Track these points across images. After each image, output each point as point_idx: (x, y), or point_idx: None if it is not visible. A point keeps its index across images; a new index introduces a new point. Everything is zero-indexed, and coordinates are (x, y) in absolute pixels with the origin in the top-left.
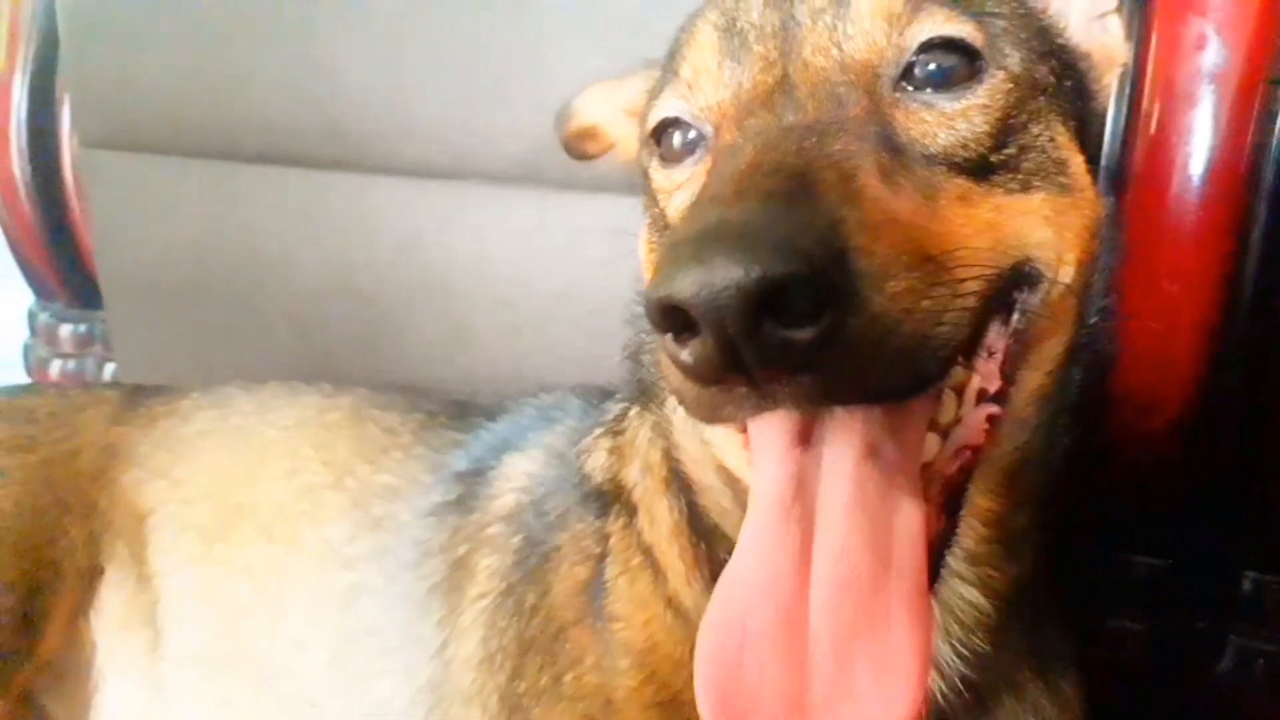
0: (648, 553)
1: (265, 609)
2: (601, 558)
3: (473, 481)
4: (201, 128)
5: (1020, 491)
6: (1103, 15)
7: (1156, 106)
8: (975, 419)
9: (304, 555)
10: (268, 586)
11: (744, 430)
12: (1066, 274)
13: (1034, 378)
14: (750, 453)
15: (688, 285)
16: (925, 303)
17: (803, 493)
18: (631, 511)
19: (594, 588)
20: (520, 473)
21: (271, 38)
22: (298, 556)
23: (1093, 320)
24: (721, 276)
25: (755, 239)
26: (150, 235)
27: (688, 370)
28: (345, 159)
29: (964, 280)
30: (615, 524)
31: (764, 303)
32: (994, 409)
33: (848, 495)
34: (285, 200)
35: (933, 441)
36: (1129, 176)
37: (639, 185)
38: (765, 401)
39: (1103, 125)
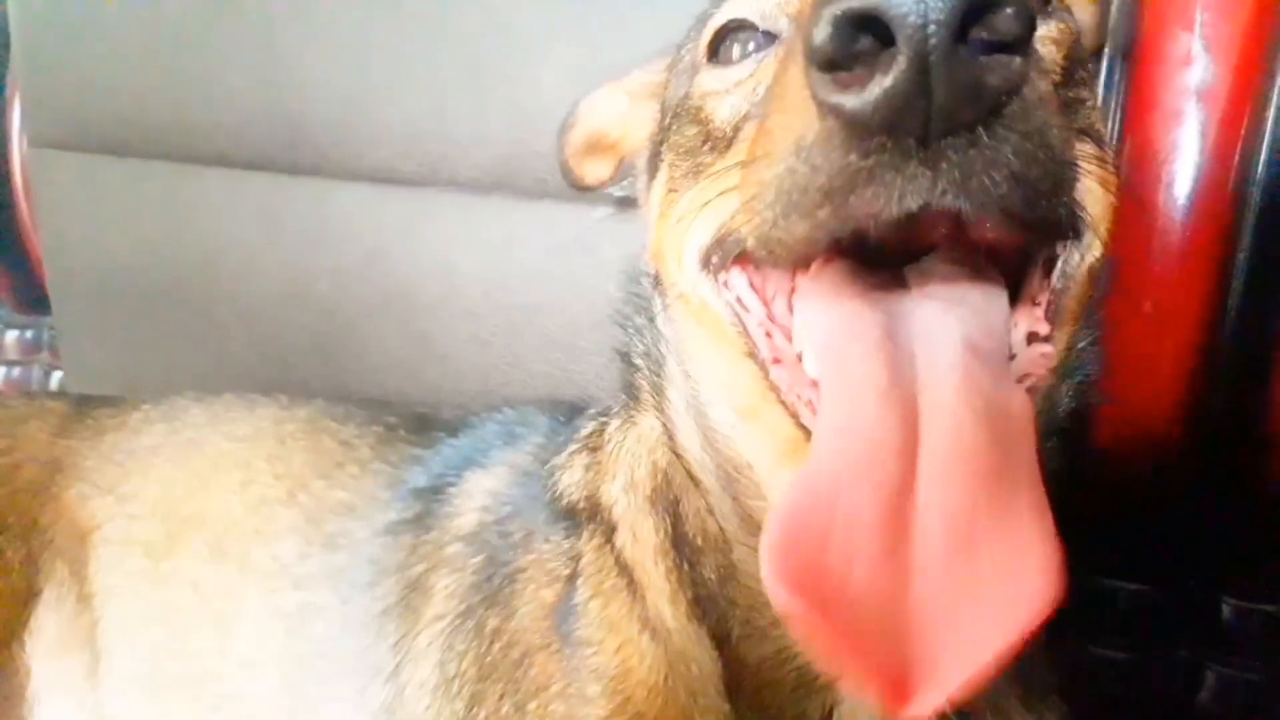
0: (627, 573)
1: (213, 628)
2: (571, 579)
3: (432, 499)
4: (158, 129)
5: None
6: None
7: (1143, 123)
8: (1030, 354)
9: (254, 573)
10: (216, 605)
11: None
12: (1098, 247)
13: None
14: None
15: None
16: (1063, 127)
17: (900, 380)
18: (610, 530)
19: (562, 611)
20: (482, 490)
21: (233, 35)
22: (248, 574)
23: (1084, 340)
24: None
25: None
26: (102, 239)
27: (855, 116)
28: (308, 164)
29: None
30: (589, 544)
31: (971, 19)
32: (1046, 348)
33: (956, 380)
34: (244, 205)
35: None
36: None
37: (647, 159)
38: (920, 177)
39: None
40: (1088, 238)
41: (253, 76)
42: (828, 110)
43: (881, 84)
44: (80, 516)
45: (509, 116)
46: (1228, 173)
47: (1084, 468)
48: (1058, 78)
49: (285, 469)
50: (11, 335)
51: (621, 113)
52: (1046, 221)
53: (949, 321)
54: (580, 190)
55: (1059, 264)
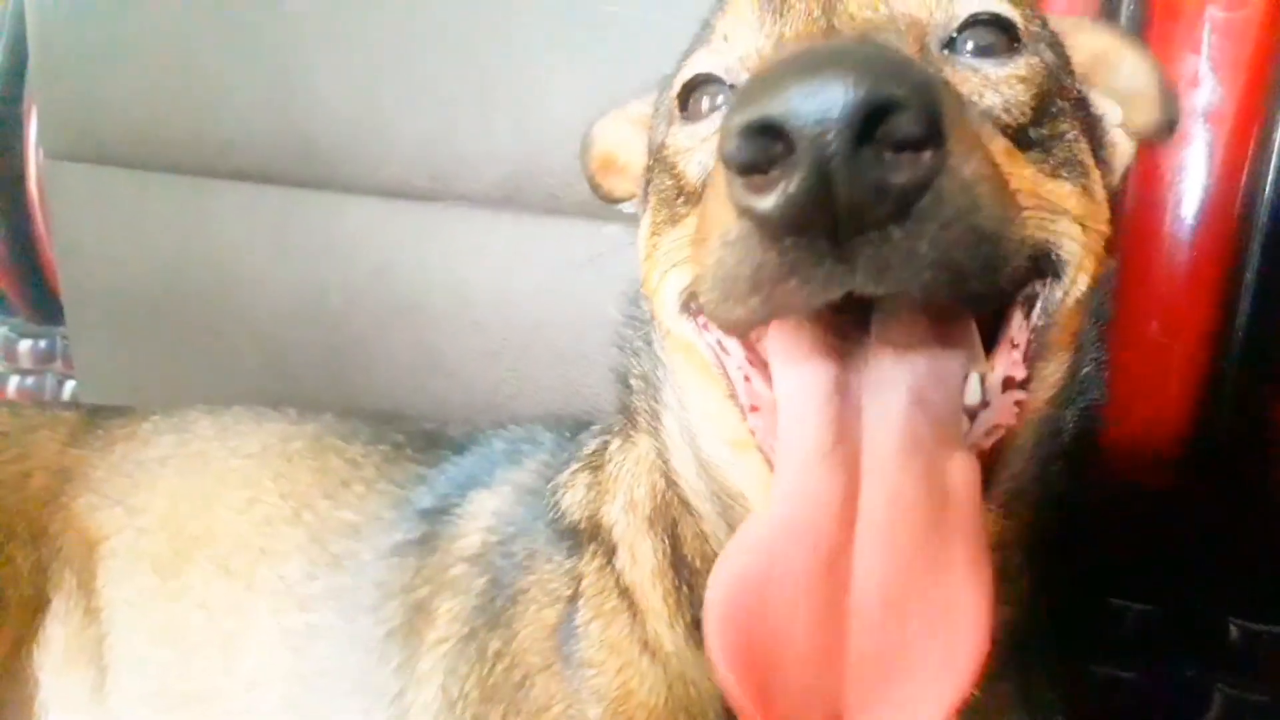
0: (627, 594)
1: (219, 647)
2: (572, 600)
3: (437, 520)
4: (172, 142)
5: (1013, 528)
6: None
7: (1150, 145)
8: (1003, 402)
9: (260, 592)
10: (222, 624)
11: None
12: (1083, 281)
13: (1033, 402)
14: (767, 420)
15: (792, 97)
16: (999, 204)
17: (845, 439)
18: (610, 551)
19: (563, 632)
20: (487, 511)
21: (248, 51)
22: (254, 593)
23: (1088, 365)
24: (831, 87)
25: (863, 57)
26: (116, 251)
27: (764, 219)
28: (320, 178)
29: (1023, 211)
30: (590, 564)
31: (872, 122)
32: (1021, 395)
33: (897, 440)
34: (256, 219)
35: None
36: (1119, 215)
37: (641, 192)
38: (838, 271)
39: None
40: (1069, 274)
41: (265, 92)
42: (741, 211)
43: (785, 190)
44: (89, 527)
45: (518, 132)
46: (1234, 194)
47: (1090, 488)
48: (1024, 118)
49: (291, 488)
50: (25, 344)
51: (626, 139)
52: (984, 295)
53: (899, 374)
54: (610, 203)
55: (1039, 302)
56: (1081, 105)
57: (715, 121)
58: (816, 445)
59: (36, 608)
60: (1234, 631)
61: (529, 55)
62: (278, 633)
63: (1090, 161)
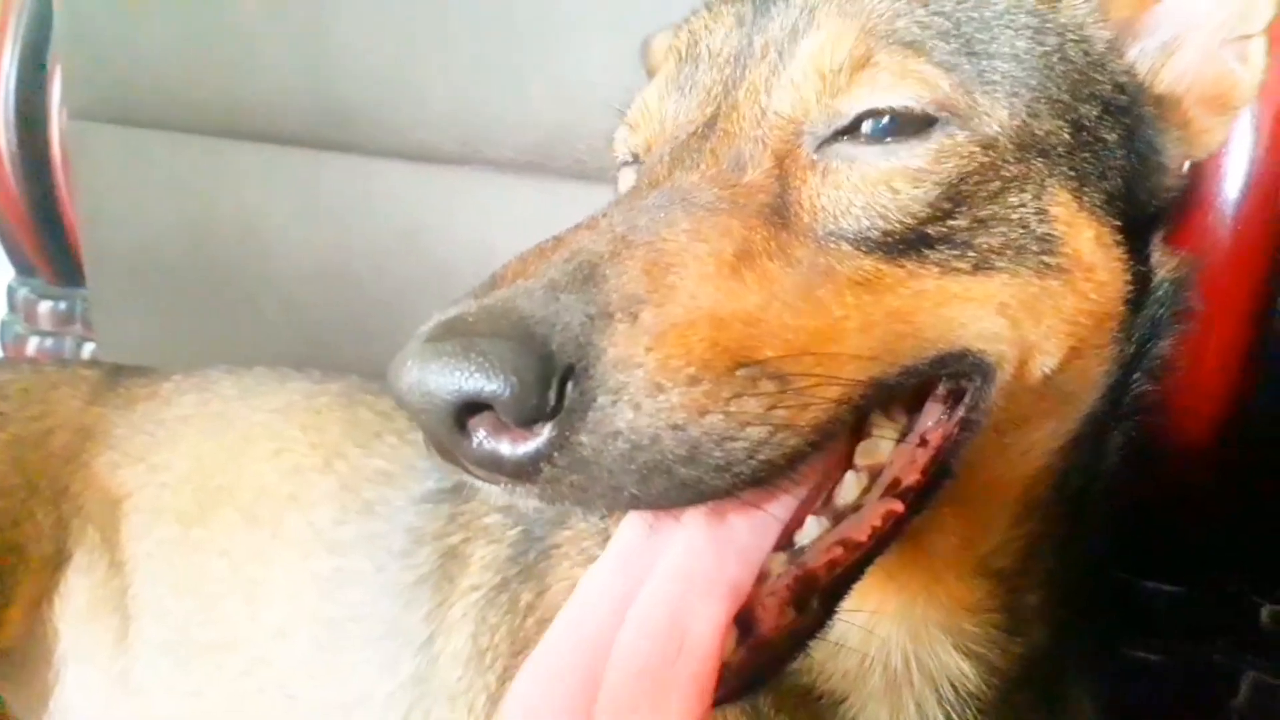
0: None
1: (244, 595)
2: None
3: None
4: (198, 102)
5: (1034, 576)
6: (1243, 38)
7: None
8: (871, 512)
9: (288, 539)
10: (248, 572)
11: None
12: (1044, 364)
13: (1030, 460)
14: None
15: (402, 384)
16: (712, 418)
17: (647, 548)
18: None
19: None
20: None
21: (277, 9)
22: (281, 541)
23: (1135, 392)
24: (429, 383)
25: (474, 347)
26: (138, 212)
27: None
28: (347, 140)
29: (805, 389)
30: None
31: (467, 413)
32: (896, 506)
33: (673, 567)
34: (282, 181)
35: (811, 524)
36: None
37: None
38: (519, 490)
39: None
40: (1009, 366)
41: (294, 52)
42: None
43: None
44: (111, 484)
45: (550, 96)
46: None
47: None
48: (916, 218)
49: (321, 438)
50: (45, 306)
51: None
52: (727, 482)
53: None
54: None
55: (964, 400)
56: (1102, 125)
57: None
58: (623, 549)
59: (58, 564)
60: (1264, 614)
61: (563, 19)
62: (306, 579)
63: (1069, 223)
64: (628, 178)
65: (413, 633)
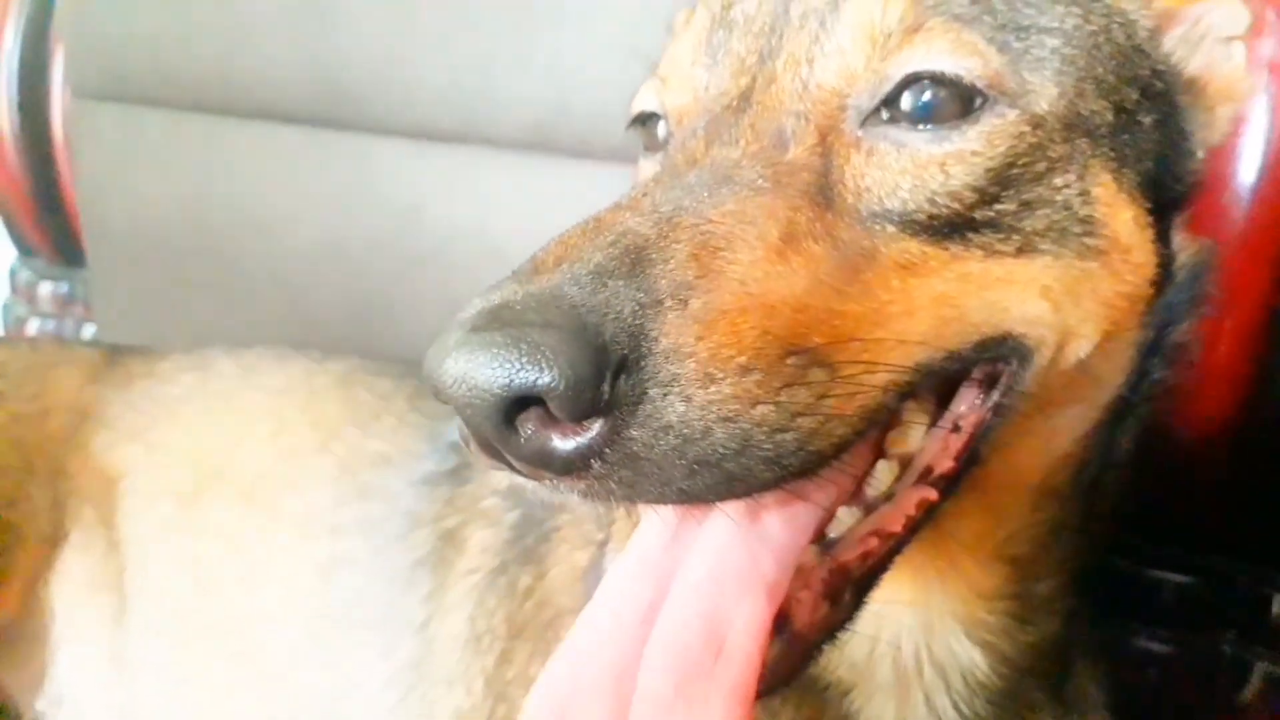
0: None
1: (241, 576)
2: (603, 546)
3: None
4: (199, 80)
5: (1046, 564)
6: (1228, 39)
7: None
8: (905, 501)
9: (285, 521)
10: (245, 553)
11: None
12: (1080, 349)
13: (1055, 446)
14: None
15: (445, 376)
16: (763, 409)
17: (672, 550)
18: None
19: (593, 577)
20: None
21: None
22: (278, 522)
23: (1152, 378)
24: (477, 376)
25: (526, 338)
26: (139, 191)
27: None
28: (347, 118)
29: (853, 376)
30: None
31: (517, 408)
32: (930, 493)
33: (705, 569)
34: (282, 159)
35: (843, 515)
36: None
37: None
38: (564, 486)
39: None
40: (1046, 350)
41: (293, 29)
42: None
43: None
44: (108, 463)
45: (551, 75)
46: None
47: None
48: (963, 202)
49: (318, 419)
50: (46, 287)
51: None
52: (776, 475)
53: (701, 544)
54: None
55: (1000, 385)
56: (1141, 108)
57: (656, 163)
58: (647, 550)
59: (54, 543)
60: (1275, 605)
61: None
62: (303, 560)
63: (1111, 204)
64: (653, 134)
65: (410, 615)
